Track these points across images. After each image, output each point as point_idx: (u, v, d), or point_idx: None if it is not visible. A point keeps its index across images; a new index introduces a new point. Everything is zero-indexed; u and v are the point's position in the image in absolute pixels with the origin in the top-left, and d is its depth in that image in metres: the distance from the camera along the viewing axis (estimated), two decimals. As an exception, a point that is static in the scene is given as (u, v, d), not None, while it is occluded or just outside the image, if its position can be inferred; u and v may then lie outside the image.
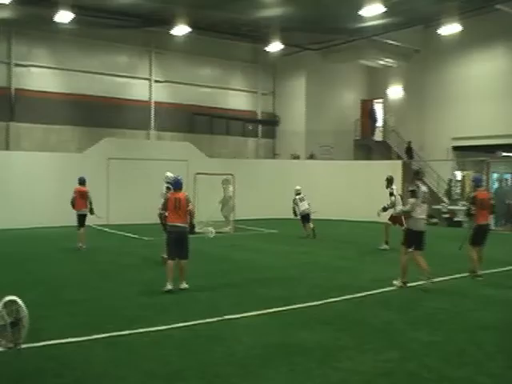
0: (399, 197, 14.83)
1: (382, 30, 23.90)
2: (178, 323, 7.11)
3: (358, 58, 27.71)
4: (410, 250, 9.72)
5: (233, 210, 18.79)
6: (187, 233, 9.59)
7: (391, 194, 14.57)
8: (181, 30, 22.39)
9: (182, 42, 23.90)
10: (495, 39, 24.60)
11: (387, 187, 14.77)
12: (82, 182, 14.61)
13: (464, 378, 5.38)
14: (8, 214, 18.22)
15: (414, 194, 9.50)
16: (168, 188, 11.06)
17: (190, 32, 22.67)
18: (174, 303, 8.43)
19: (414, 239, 9.64)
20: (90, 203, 14.53)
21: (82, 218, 14.47)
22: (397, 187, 15.47)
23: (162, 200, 10.20)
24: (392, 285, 9.65)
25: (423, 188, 9.77)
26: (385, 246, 14.93)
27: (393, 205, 14.32)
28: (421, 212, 9.63)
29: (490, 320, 7.58)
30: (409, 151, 26.25)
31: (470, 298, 9.02)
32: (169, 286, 9.15)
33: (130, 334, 6.64)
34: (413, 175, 10.24)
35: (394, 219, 14.22)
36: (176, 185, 9.78)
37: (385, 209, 14.57)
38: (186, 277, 9.43)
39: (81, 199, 14.41)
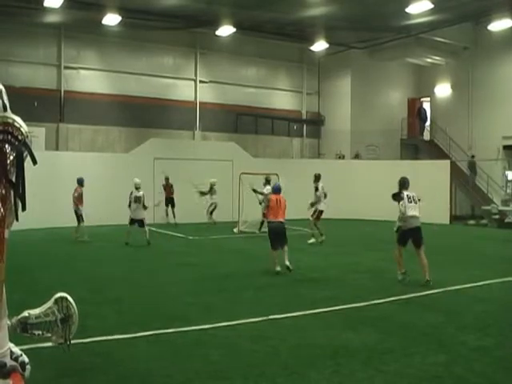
0: (323, 194, 16.20)
1: (430, 27, 23.48)
2: (222, 322, 7.13)
3: (404, 56, 27.28)
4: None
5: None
6: (285, 227, 11.39)
7: (316, 190, 16.13)
8: (225, 30, 22.53)
9: (226, 43, 24.07)
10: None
11: (314, 182, 16.34)
12: (80, 182, 16.18)
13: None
14: (56, 213, 18.65)
15: (395, 198, 11.08)
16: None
17: (235, 32, 22.79)
18: (218, 303, 8.47)
19: (408, 237, 10.39)
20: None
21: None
22: (323, 184, 16.52)
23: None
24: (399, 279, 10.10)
25: (406, 193, 10.98)
26: (321, 238, 15.74)
27: (317, 201, 15.98)
28: (410, 212, 10.56)
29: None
30: (472, 166, 25.47)
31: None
32: (278, 268, 10.88)
33: (174, 333, 6.70)
34: (398, 184, 11.50)
35: (318, 215, 15.87)
36: (276, 189, 11.71)
37: (312, 204, 16.02)
38: (287, 258, 11.09)
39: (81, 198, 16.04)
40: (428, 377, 5.36)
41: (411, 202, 10.70)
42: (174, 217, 20.66)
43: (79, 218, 16.01)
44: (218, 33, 22.91)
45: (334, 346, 6.25)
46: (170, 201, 20.97)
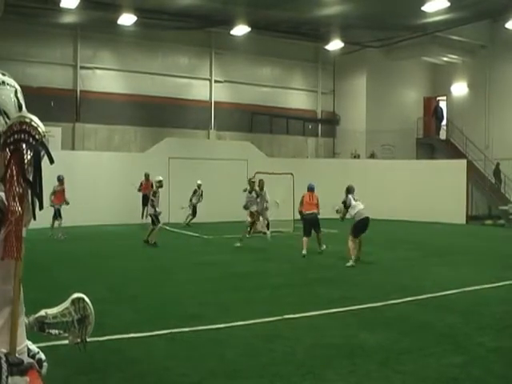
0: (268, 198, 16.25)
1: (446, 25, 23.34)
2: (238, 322, 7.13)
3: (420, 55, 27.14)
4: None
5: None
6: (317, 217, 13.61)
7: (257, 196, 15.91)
8: (240, 29, 22.56)
9: (241, 42, 24.11)
10: None
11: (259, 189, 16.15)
12: (59, 179, 15.98)
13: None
14: (73, 212, 18.75)
15: (345, 205, 12.59)
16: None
17: (250, 32, 22.82)
18: (234, 302, 8.47)
19: (360, 229, 12.34)
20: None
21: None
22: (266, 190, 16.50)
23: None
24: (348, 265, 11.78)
25: (350, 196, 12.58)
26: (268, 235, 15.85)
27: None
28: (359, 206, 12.45)
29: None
30: (497, 173, 25.20)
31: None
32: (304, 252, 13.03)
33: (190, 331, 6.70)
34: (345, 191, 12.75)
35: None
36: (310, 188, 13.87)
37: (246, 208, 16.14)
38: (322, 242, 13.71)
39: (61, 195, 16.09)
40: (445, 378, 5.30)
41: (356, 200, 12.57)
42: (144, 217, 19.08)
43: (56, 214, 16.06)
44: (232, 32, 22.94)
45: (350, 345, 6.22)
46: (146, 199, 18.68)
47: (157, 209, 15.14)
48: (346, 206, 12.53)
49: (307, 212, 13.62)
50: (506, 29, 22.50)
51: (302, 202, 14.06)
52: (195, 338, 6.54)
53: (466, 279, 10.29)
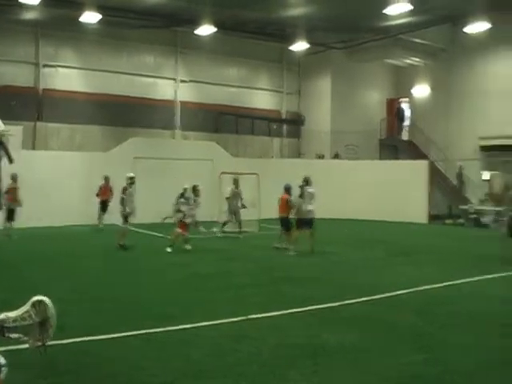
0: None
1: (408, 28, 23.72)
2: (204, 322, 7.12)
3: (383, 57, 27.53)
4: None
5: (231, 210, 18.34)
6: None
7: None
8: (206, 29, 22.47)
9: (207, 42, 24.03)
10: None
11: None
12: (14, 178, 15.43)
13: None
14: (34, 213, 18.44)
15: (301, 190, 13.94)
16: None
17: (216, 32, 22.75)
18: (200, 302, 8.47)
19: (304, 224, 13.73)
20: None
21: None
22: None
23: None
24: (289, 254, 13.24)
25: (310, 190, 14.00)
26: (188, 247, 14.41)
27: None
28: (308, 207, 13.77)
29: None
30: (460, 176, 25.65)
31: (495, 299, 8.86)
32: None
33: (156, 332, 6.67)
34: (302, 181, 14.18)
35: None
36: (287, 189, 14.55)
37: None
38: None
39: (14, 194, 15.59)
40: (406, 376, 5.40)
41: (311, 198, 13.86)
42: (101, 221, 18.88)
43: (10, 214, 15.69)
44: (198, 32, 22.84)
45: (313, 345, 6.28)
46: (105, 205, 18.73)
47: (126, 208, 14.29)
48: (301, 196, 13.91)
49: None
50: (465, 33, 22.95)
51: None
52: (162, 338, 6.52)
53: (425, 278, 10.47)
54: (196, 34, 23.13)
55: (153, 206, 20.61)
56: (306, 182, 14.20)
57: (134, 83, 24.74)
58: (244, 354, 5.99)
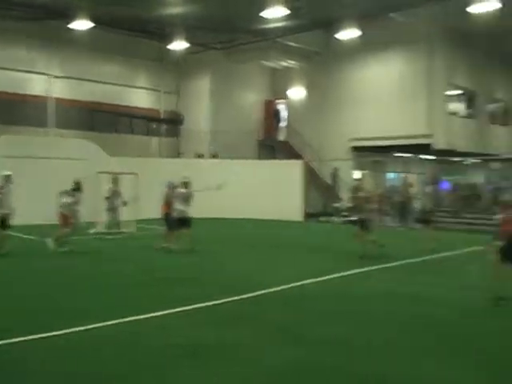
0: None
1: (285, 32, 24.45)
2: (80, 327, 6.90)
3: (260, 59, 28.16)
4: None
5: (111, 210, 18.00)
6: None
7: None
8: (83, 24, 21.73)
9: (84, 37, 23.17)
10: (391, 45, 25.86)
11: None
12: None
13: (362, 373, 5.59)
14: None
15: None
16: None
17: (93, 27, 22.08)
18: (78, 306, 8.20)
19: (179, 223, 13.80)
20: None
21: None
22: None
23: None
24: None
25: (182, 190, 14.08)
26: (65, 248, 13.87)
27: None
28: (180, 206, 13.95)
29: (391, 314, 7.97)
30: (334, 177, 26.61)
31: (372, 294, 9.43)
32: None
33: (51, 337, 6.44)
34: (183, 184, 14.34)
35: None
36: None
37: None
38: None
39: None
40: (282, 370, 5.62)
41: (183, 199, 14.03)
42: None
43: None
44: (74, 26, 22.03)
45: (194, 344, 6.35)
46: None
47: (3, 209, 12.91)
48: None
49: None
50: (338, 38, 24.03)
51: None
52: (55, 342, 6.33)
53: (304, 273, 10.89)
54: (72, 29, 22.31)
55: (25, 207, 19.67)
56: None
57: (4, 78, 23.41)
58: (125, 355, 5.94)
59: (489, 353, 6.25)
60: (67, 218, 13.87)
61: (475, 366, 5.79)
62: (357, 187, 14.43)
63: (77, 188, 14.52)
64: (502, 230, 8.64)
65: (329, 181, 27.35)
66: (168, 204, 14.38)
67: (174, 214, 14.05)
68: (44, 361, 5.80)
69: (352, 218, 14.32)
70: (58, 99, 25.07)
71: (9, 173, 13.44)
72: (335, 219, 24.60)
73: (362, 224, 13.22)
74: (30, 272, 11.23)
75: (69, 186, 14.51)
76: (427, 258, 13.55)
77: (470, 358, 6.06)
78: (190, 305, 8.15)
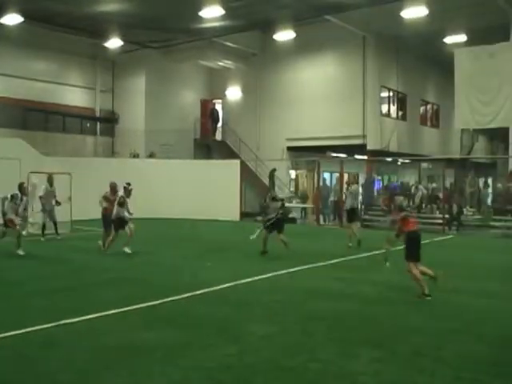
0: None
1: (222, 32, 24.48)
2: (9, 332, 6.70)
3: (197, 59, 28.11)
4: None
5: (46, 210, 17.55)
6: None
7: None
8: (12, 19, 21.04)
9: (14, 32, 22.43)
10: (326, 47, 26.39)
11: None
12: None
13: (299, 366, 5.73)
14: None
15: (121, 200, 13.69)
16: None
17: (23, 22, 21.41)
18: (5, 311, 7.95)
19: (120, 224, 13.58)
20: None
21: None
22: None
23: None
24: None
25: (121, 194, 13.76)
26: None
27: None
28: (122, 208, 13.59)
29: (321, 311, 8.13)
30: (271, 177, 26.58)
31: (302, 291, 9.57)
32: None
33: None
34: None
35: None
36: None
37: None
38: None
39: None
40: (221, 367, 5.65)
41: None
42: None
43: None
44: (3, 21, 21.29)
45: (131, 346, 6.28)
46: None
47: None
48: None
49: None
50: (274, 40, 24.30)
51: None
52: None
53: (239, 272, 10.96)
54: (2, 24, 21.54)
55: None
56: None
57: None
58: (56, 361, 5.80)
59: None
60: (13, 221, 13.43)
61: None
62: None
63: (21, 191, 14.28)
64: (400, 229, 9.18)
65: (266, 180, 27.53)
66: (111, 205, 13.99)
67: (112, 215, 13.72)
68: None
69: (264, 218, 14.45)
70: (-14, 96, 24.18)
71: None
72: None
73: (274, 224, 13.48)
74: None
75: (12, 186, 14.12)
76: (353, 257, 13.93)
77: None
78: (126, 306, 8.05)
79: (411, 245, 9.04)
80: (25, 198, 14.36)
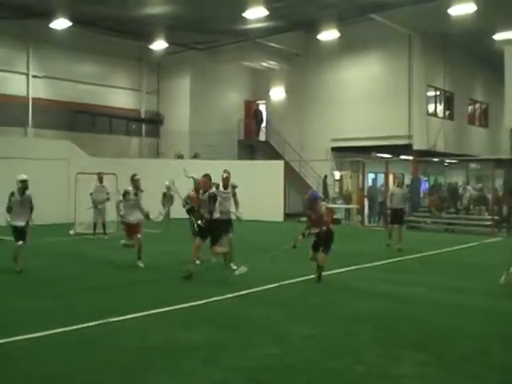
0: None
1: (265, 32, 24.49)
2: (58, 329, 6.84)
3: (241, 60, 28.18)
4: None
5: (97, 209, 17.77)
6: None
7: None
8: (61, 23, 21.57)
9: (62, 37, 23.04)
10: (370, 46, 26.06)
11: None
12: None
13: (342, 368, 5.64)
14: None
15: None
16: None
17: (72, 26, 21.93)
18: (53, 309, 8.11)
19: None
20: None
21: None
22: None
23: None
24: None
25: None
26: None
27: None
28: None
29: (365, 312, 8.02)
30: (324, 184, 26.46)
31: (346, 292, 9.47)
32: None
33: (6, 343, 6.33)
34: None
35: None
36: None
37: None
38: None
39: None
40: (263, 368, 5.61)
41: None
42: None
43: None
44: (52, 26, 21.86)
45: (174, 345, 6.31)
46: None
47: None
48: None
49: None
50: (318, 40, 24.16)
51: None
52: (11, 349, 6.19)
53: (283, 273, 10.90)
54: (51, 28, 22.11)
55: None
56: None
57: (-20, 77, 23.13)
58: (100, 359, 5.88)
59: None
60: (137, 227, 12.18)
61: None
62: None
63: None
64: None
65: (309, 180, 27.37)
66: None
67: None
68: (25, 364, 5.73)
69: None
70: (35, 99, 24.80)
71: (24, 177, 11.24)
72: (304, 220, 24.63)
73: None
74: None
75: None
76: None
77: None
78: (168, 306, 8.08)
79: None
80: (139, 193, 12.20)
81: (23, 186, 11.08)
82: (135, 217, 11.95)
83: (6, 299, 8.68)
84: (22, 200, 11.02)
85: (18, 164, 20.09)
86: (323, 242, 10.02)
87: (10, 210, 10.96)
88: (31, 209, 11.22)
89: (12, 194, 11.03)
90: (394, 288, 9.82)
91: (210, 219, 10.36)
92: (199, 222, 10.14)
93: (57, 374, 5.42)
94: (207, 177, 11.11)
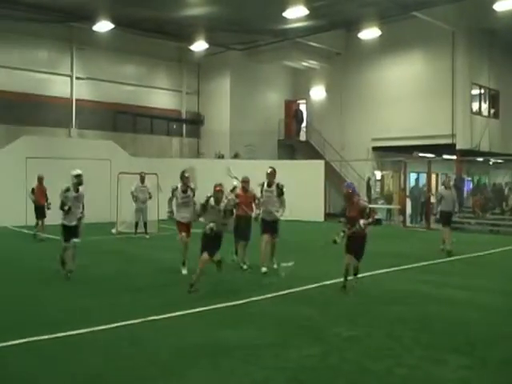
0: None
1: (305, 32, 24.38)
2: (101, 326, 6.96)
3: (281, 59, 28.12)
4: None
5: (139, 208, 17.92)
6: None
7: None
8: (103, 26, 21.96)
9: (104, 39, 23.47)
10: (412, 44, 25.63)
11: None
12: None
13: (383, 370, 5.57)
14: None
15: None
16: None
17: (114, 28, 22.29)
18: (96, 306, 8.25)
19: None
20: None
21: None
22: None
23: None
24: None
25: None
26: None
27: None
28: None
29: (407, 314, 7.89)
30: (368, 187, 26.23)
31: (387, 293, 9.34)
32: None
33: (50, 339, 6.45)
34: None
35: None
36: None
37: None
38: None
39: None
40: (304, 369, 5.59)
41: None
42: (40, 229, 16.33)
43: None
44: (95, 28, 22.26)
45: (214, 344, 6.33)
46: (41, 211, 16.06)
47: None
48: None
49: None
50: (359, 38, 23.94)
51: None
52: (56, 345, 6.31)
53: (324, 274, 10.83)
54: (93, 30, 22.52)
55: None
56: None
57: (27, 79, 23.63)
58: (142, 356, 5.94)
59: None
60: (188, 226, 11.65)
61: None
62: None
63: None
64: None
65: (349, 180, 27.10)
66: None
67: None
68: (69, 360, 5.84)
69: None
70: (79, 100, 25.29)
71: (79, 172, 10.78)
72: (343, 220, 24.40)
73: None
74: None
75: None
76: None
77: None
78: (207, 305, 8.11)
79: None
80: (189, 191, 11.59)
81: (78, 180, 10.55)
82: (181, 215, 11.16)
83: (53, 299, 8.86)
84: (76, 196, 10.53)
85: (62, 164, 20.56)
86: (357, 246, 9.34)
87: (63, 205, 10.42)
88: (83, 206, 10.78)
89: (67, 189, 10.48)
90: (436, 290, 9.63)
91: (216, 231, 9.18)
92: (211, 225, 9.16)
93: (101, 371, 5.51)
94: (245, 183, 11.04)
